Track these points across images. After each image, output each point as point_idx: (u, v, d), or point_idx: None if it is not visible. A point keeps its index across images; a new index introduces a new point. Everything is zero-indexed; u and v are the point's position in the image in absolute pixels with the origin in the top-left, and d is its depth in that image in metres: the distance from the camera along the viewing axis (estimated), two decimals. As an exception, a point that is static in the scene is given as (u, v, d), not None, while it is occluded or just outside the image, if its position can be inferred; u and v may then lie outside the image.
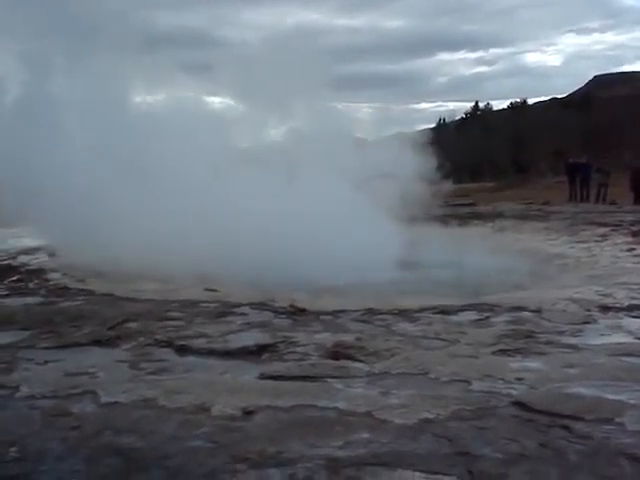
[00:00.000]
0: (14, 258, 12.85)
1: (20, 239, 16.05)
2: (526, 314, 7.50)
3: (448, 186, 22.08)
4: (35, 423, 4.31)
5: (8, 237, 16.31)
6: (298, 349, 6.04)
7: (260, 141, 18.57)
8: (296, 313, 7.79)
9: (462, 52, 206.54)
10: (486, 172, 48.38)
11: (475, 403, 4.44)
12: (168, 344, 6.28)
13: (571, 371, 5.19)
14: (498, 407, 4.38)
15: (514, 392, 4.66)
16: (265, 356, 5.94)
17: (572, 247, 14.32)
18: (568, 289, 9.43)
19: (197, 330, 6.84)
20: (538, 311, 7.62)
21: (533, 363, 5.45)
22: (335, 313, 7.72)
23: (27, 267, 11.77)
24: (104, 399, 4.71)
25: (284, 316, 7.67)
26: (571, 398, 4.52)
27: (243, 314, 7.73)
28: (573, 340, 6.28)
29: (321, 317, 7.55)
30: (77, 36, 14.74)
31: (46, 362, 5.80)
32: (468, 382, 4.92)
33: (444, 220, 19.47)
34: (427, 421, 4.15)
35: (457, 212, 22.02)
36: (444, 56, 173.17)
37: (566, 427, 4.00)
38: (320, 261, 11.98)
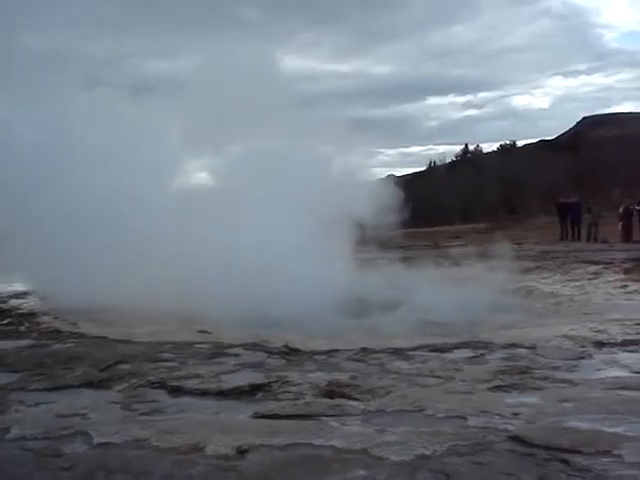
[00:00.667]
0: (5, 302, 12.78)
1: (10, 284, 15.96)
2: (521, 351, 7.49)
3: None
4: (27, 464, 4.26)
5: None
6: (292, 388, 6.00)
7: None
8: (290, 353, 7.74)
9: (451, 96, 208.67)
10: (477, 213, 48.59)
11: (472, 438, 4.41)
12: (161, 385, 6.23)
13: (567, 405, 5.17)
14: (495, 442, 4.34)
15: (511, 427, 4.63)
16: (259, 396, 5.90)
17: (565, 285, 14.34)
18: (562, 326, 9.42)
19: (190, 371, 6.80)
20: (533, 348, 7.62)
21: (529, 398, 5.43)
22: (329, 353, 7.70)
23: (18, 310, 11.71)
24: (96, 440, 4.65)
25: (277, 356, 7.63)
26: (568, 432, 4.49)
27: (236, 355, 7.70)
28: (569, 375, 6.28)
29: (315, 357, 7.53)
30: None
31: (37, 404, 5.74)
32: (464, 418, 4.89)
33: (437, 261, 19.46)
34: (424, 457, 4.11)
35: (449, 253, 21.99)
36: (433, 100, 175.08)
37: (564, 460, 3.97)
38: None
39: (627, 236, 24.91)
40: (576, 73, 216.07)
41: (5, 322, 10.49)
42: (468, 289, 14.61)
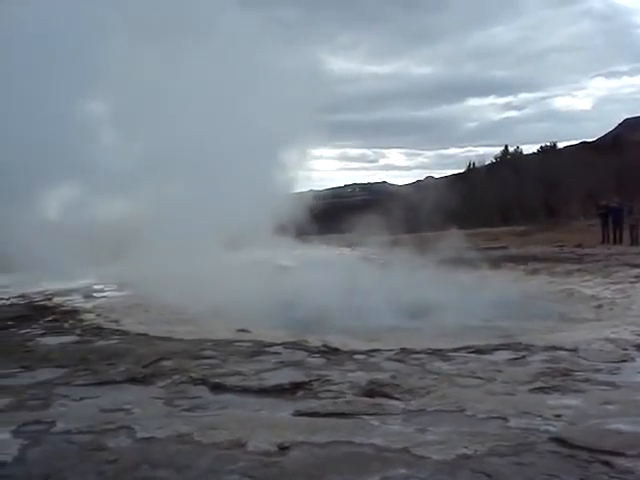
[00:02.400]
0: (49, 299, 12.96)
1: (54, 282, 16.22)
2: (562, 353, 7.43)
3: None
4: (72, 457, 4.33)
5: (42, 280, 16.48)
6: (333, 387, 6.01)
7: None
8: (329, 352, 7.77)
9: (491, 97, 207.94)
10: (517, 216, 48.16)
11: (513, 439, 4.39)
12: (203, 382, 6.28)
13: (610, 407, 5.13)
14: (537, 443, 4.32)
15: (552, 428, 4.60)
16: (300, 394, 5.91)
17: (606, 288, 14.17)
18: (604, 329, 9.34)
19: (231, 368, 6.85)
20: (574, 350, 7.55)
21: (571, 400, 5.38)
22: (369, 353, 7.69)
23: (62, 308, 11.87)
24: (140, 434, 4.72)
25: (317, 355, 7.65)
26: (611, 434, 4.46)
27: (276, 353, 7.74)
28: (611, 378, 6.21)
29: (354, 356, 7.52)
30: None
31: (82, 398, 5.83)
32: (505, 419, 4.87)
33: (476, 264, 19.35)
34: (465, 457, 4.10)
35: (489, 255, 21.87)
36: (473, 101, 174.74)
37: (607, 463, 3.94)
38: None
39: None
40: (618, 74, 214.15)
41: (50, 319, 10.65)
42: (508, 292, 14.55)
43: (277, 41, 18.06)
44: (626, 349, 7.64)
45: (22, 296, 13.45)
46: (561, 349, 7.66)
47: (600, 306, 12.44)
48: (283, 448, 4.34)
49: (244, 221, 15.94)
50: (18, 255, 15.07)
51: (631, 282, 14.42)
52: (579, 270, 17.05)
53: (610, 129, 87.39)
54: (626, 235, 26.38)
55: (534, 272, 18.03)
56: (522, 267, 18.97)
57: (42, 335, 9.21)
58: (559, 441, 4.33)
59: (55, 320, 10.54)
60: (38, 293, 13.98)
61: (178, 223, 14.69)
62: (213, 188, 15.67)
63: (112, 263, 16.97)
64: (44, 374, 6.79)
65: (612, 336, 8.51)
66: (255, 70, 17.98)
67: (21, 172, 15.02)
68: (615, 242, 26.26)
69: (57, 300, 12.87)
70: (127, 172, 16.27)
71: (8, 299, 13.02)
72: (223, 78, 17.19)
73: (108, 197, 18.00)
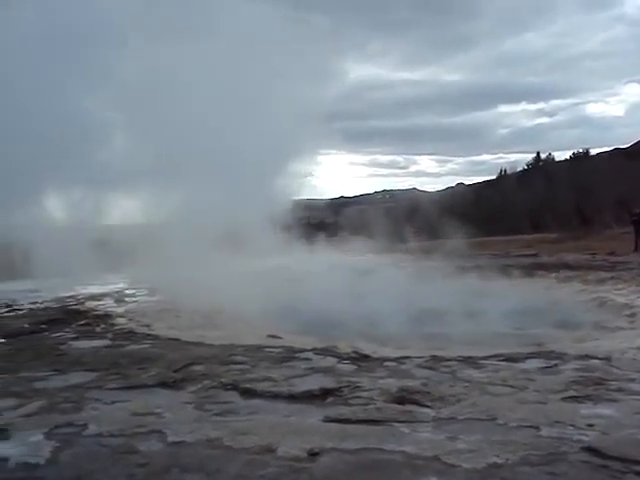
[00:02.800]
0: (82, 304, 13.10)
1: (87, 286, 16.41)
2: (595, 362, 7.33)
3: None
4: (103, 460, 4.37)
5: (75, 284, 16.67)
6: (363, 393, 6.00)
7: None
8: (359, 359, 7.75)
9: (523, 104, 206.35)
10: (549, 223, 47.73)
11: (545, 448, 4.35)
12: (233, 387, 6.30)
13: (644, 418, 5.06)
14: (569, 453, 4.27)
15: (585, 438, 4.55)
16: (330, 400, 5.90)
17: (640, 297, 13.97)
18: (637, 338, 9.21)
19: (262, 374, 6.86)
20: (607, 359, 7.45)
21: (604, 409, 5.31)
22: (399, 359, 7.66)
23: (94, 312, 11.99)
24: (171, 438, 4.75)
25: (347, 362, 7.64)
26: (645, 444, 4.39)
27: (307, 359, 7.74)
28: (645, 387, 6.11)
29: (385, 363, 7.49)
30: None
31: (113, 402, 5.88)
32: (537, 428, 4.82)
33: (508, 271, 19.23)
34: (496, 466, 4.07)
35: (521, 262, 21.73)
36: (505, 108, 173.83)
37: (641, 473, 3.89)
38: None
39: None
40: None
41: (82, 323, 10.76)
42: (539, 299, 14.44)
43: (290, 45, 18.10)
44: (661, 358, 7.53)
45: (55, 300, 13.60)
46: (594, 358, 7.56)
47: (633, 315, 12.26)
48: (313, 454, 4.35)
49: (252, 224, 16.12)
50: (37, 259, 15.22)
51: (665, 291, 14.22)
52: (612, 278, 16.83)
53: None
54: None
55: (566, 280, 17.85)
56: (554, 275, 18.78)
57: (74, 339, 9.32)
58: (592, 451, 4.28)
59: (87, 324, 10.65)
60: (70, 297, 14.14)
61: (193, 227, 14.79)
62: (224, 191, 15.77)
63: (133, 267, 17.14)
64: (76, 377, 6.87)
65: (646, 345, 8.38)
66: (269, 74, 18.07)
67: (29, 172, 15.16)
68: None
69: (89, 304, 13.00)
70: (139, 173, 16.42)
71: (42, 303, 13.17)
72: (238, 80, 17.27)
73: (121, 199, 18.20)
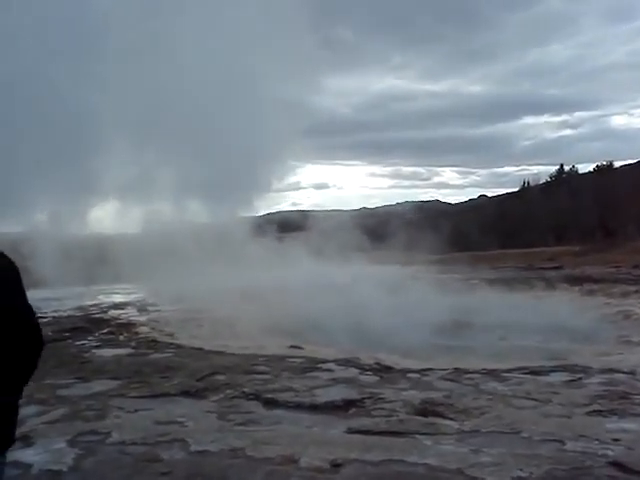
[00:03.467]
0: (105, 312, 13.16)
1: (110, 295, 16.53)
2: (619, 376, 7.25)
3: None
4: (126, 467, 4.39)
5: (99, 293, 16.81)
6: (386, 405, 5.98)
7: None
8: (382, 370, 7.72)
9: (546, 115, 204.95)
10: (572, 235, 47.42)
11: (570, 463, 4.30)
12: (256, 397, 6.30)
13: (670, 433, 4.99)
14: (594, 467, 4.23)
15: (610, 452, 4.49)
16: (352, 411, 5.88)
17: (665, 311, 13.82)
18: (663, 352, 9.12)
19: (284, 384, 6.86)
20: (632, 373, 7.36)
21: (630, 424, 5.25)
22: (422, 372, 7.62)
23: (117, 321, 12.04)
24: (193, 447, 4.76)
25: (370, 373, 7.61)
26: (671, 460, 4.33)
27: (329, 370, 7.73)
28: (671, 402, 6.03)
29: (407, 375, 7.46)
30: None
31: (136, 410, 5.90)
32: (562, 442, 4.77)
33: (532, 283, 19.12)
34: None
35: (544, 275, 21.57)
36: (528, 120, 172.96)
37: (667, 489, 3.84)
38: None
39: None
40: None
41: (105, 331, 10.81)
42: (563, 313, 14.32)
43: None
44: (686, 373, 7.43)
45: (78, 308, 13.69)
46: (618, 372, 7.48)
47: (659, 329, 12.15)
48: (336, 465, 4.33)
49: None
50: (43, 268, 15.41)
51: (691, 305, 14.06)
52: (636, 292, 16.66)
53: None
54: None
55: (590, 293, 17.69)
56: (577, 288, 18.63)
57: (98, 347, 9.37)
58: (617, 465, 4.23)
59: (111, 333, 10.70)
60: (94, 305, 14.22)
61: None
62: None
63: (147, 277, 17.38)
64: (99, 385, 6.90)
65: (671, 359, 8.29)
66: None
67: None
68: None
69: (112, 313, 13.07)
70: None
71: (65, 311, 13.25)
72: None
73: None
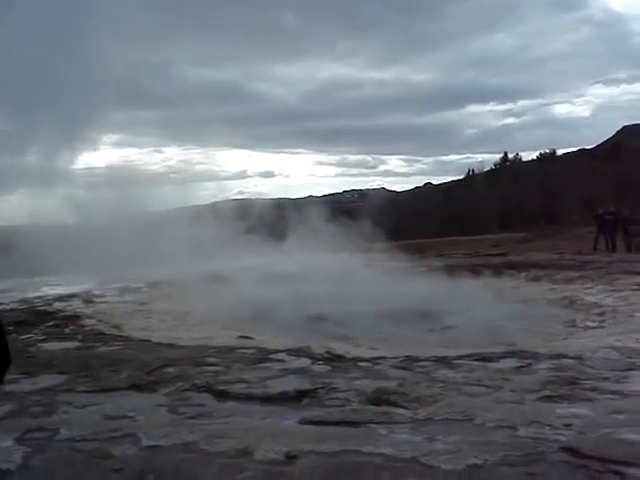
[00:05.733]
0: (50, 305, 12.90)
1: (54, 287, 16.23)
2: (567, 361, 7.35)
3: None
4: (77, 464, 4.30)
5: (43, 285, 16.51)
6: (339, 395, 5.96)
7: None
8: (333, 359, 7.71)
9: (491, 104, 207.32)
10: (516, 222, 48.13)
11: (523, 449, 4.33)
12: (207, 389, 6.23)
13: (619, 417, 5.06)
14: (547, 453, 4.26)
15: (562, 438, 4.54)
16: (305, 401, 5.85)
17: (608, 296, 14.07)
18: (607, 337, 9.28)
19: (236, 375, 6.79)
20: (579, 358, 7.46)
21: (580, 409, 5.31)
22: (373, 360, 7.62)
23: (63, 313, 11.80)
24: (145, 442, 4.68)
25: (321, 362, 7.58)
26: (622, 444, 4.40)
27: (280, 360, 7.67)
28: (618, 386, 6.12)
29: (359, 364, 7.45)
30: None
31: (85, 405, 5.78)
32: (515, 428, 4.81)
33: (477, 270, 19.32)
34: (475, 467, 4.06)
35: (490, 262, 21.82)
36: (473, 108, 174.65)
37: (619, 473, 3.90)
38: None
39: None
40: (617, 81, 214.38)
41: (51, 324, 10.59)
42: (510, 299, 14.52)
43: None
44: (631, 357, 7.55)
45: (22, 301, 13.42)
46: (566, 357, 7.57)
47: (603, 313, 12.36)
48: (291, 457, 4.30)
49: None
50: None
51: (633, 290, 14.31)
52: (580, 277, 16.94)
53: (609, 136, 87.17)
54: (619, 243, 26.45)
55: (535, 279, 17.94)
56: (523, 274, 18.86)
57: (43, 341, 9.17)
58: (570, 451, 4.27)
59: (56, 326, 10.48)
60: (38, 298, 13.95)
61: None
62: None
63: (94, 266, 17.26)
64: (46, 380, 6.75)
65: (616, 344, 8.43)
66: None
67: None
68: (608, 250, 26.26)
69: (57, 305, 12.83)
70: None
71: (8, 304, 12.97)
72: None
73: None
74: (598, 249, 26.38)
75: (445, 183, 77.47)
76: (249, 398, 5.97)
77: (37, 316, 11.40)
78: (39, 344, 8.92)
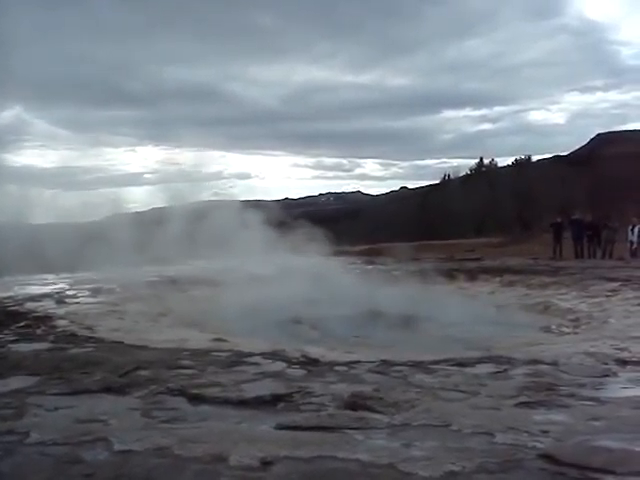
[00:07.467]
0: (21, 305, 12.72)
1: (25, 287, 16.03)
2: (543, 367, 7.35)
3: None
4: (47, 470, 4.18)
5: (14, 285, 16.30)
6: (314, 399, 5.89)
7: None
8: (309, 363, 7.65)
9: (467, 109, 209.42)
10: (491, 227, 48.42)
11: (501, 456, 4.29)
12: (181, 393, 6.13)
13: (597, 424, 5.05)
14: (525, 460, 4.22)
15: (540, 445, 4.50)
16: (281, 406, 5.78)
17: (583, 301, 14.18)
18: (582, 343, 9.32)
19: (210, 379, 6.70)
20: (555, 364, 7.47)
21: (557, 416, 5.29)
22: (349, 364, 7.57)
23: (34, 314, 11.63)
24: (117, 447, 4.57)
25: (297, 366, 7.52)
26: (600, 451, 4.36)
27: (255, 364, 7.59)
28: (595, 393, 6.13)
29: (335, 368, 7.40)
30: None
31: (56, 408, 5.66)
32: (492, 434, 4.77)
33: (453, 275, 19.38)
34: (453, 474, 4.00)
35: (465, 267, 21.89)
36: (448, 113, 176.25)
37: (597, 480, 3.87)
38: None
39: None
40: (593, 89, 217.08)
41: (22, 325, 10.44)
42: (485, 304, 14.57)
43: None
44: (606, 363, 7.59)
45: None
46: (542, 363, 7.58)
47: (577, 319, 12.45)
48: (266, 463, 4.22)
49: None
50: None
51: (607, 295, 14.43)
52: (555, 283, 17.05)
53: (583, 143, 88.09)
54: (586, 249, 26.88)
55: (510, 284, 18.03)
56: (498, 279, 18.95)
57: (14, 342, 9.02)
58: (547, 458, 4.24)
59: (27, 326, 10.33)
60: (8, 298, 13.75)
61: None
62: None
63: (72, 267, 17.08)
64: (16, 382, 6.61)
65: (591, 350, 8.47)
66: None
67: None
68: (578, 256, 26.60)
69: (29, 305, 12.65)
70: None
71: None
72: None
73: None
74: (556, 256, 26.80)
75: (421, 187, 77.77)
76: (224, 402, 5.88)
77: (8, 316, 11.22)
78: (9, 345, 8.77)
